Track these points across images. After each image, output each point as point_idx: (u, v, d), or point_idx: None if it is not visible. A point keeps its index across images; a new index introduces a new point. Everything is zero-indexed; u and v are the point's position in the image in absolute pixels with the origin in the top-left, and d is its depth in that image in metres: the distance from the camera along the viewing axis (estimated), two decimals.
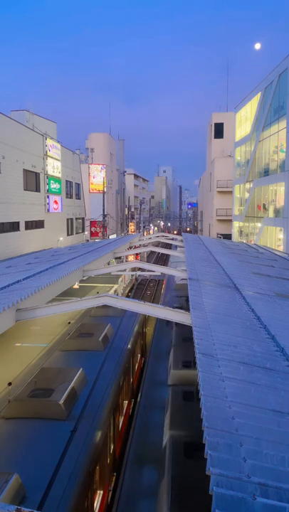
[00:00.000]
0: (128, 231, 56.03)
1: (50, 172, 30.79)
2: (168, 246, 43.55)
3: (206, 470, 2.40)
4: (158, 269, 13.26)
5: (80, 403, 6.85)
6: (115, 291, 20.03)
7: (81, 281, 15.49)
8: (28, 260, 15.03)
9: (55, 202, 32.03)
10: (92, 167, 50.89)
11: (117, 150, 64.81)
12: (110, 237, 45.37)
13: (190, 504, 4.84)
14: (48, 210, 30.35)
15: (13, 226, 24.61)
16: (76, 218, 38.80)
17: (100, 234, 44.74)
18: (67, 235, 35.52)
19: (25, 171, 26.42)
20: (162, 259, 53.62)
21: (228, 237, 41.60)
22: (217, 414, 3.09)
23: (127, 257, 34.11)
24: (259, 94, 31.12)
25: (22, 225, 25.70)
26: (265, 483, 2.33)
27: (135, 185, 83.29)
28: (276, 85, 26.72)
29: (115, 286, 20.47)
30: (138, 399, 8.17)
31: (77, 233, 38.79)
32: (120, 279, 24.70)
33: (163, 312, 6.88)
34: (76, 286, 15.93)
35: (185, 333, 9.99)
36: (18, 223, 25.15)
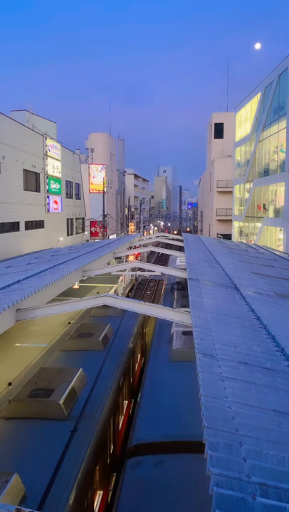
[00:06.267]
0: (128, 231, 56.04)
1: (50, 172, 30.79)
2: (168, 246, 43.56)
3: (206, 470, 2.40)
4: (158, 269, 13.25)
5: (80, 403, 6.85)
6: (115, 291, 20.02)
7: (81, 281, 15.49)
8: (28, 260, 15.04)
9: (55, 202, 32.04)
10: (92, 167, 50.91)
11: (117, 150, 64.82)
12: (110, 237, 45.37)
13: None
14: (48, 210, 30.36)
15: (13, 226, 24.61)
16: (76, 218, 38.81)
17: (100, 234, 44.75)
18: (67, 235, 35.53)
19: (25, 171, 26.43)
20: (162, 259, 53.62)
21: (228, 237, 41.61)
22: (217, 414, 3.09)
23: (127, 257, 34.12)
24: (259, 95, 31.13)
25: (22, 225, 25.71)
26: (265, 483, 2.32)
27: (135, 185, 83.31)
28: (276, 85, 26.72)
29: (115, 286, 20.46)
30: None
31: (77, 233, 38.79)
32: (120, 279, 24.69)
33: (163, 312, 6.88)
34: (76, 286, 15.93)
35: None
36: (18, 223, 25.15)
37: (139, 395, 8.18)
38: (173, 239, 23.97)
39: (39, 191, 28.93)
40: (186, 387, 7.17)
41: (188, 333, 9.65)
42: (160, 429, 6.43)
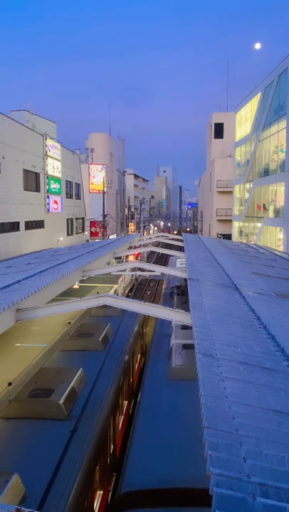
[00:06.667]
0: (128, 231, 56.05)
1: (50, 172, 30.79)
2: (168, 246, 43.56)
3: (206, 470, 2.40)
4: (158, 269, 13.25)
5: (80, 403, 6.85)
6: (115, 291, 20.02)
7: (81, 281, 15.49)
8: (28, 260, 15.04)
9: (55, 202, 32.04)
10: (92, 167, 50.91)
11: (117, 150, 64.82)
12: (110, 237, 45.38)
13: None
14: (48, 210, 30.36)
15: (13, 226, 24.61)
16: (76, 218, 38.81)
17: (100, 234, 44.75)
18: (67, 235, 35.52)
19: (25, 171, 26.43)
20: (162, 260, 53.61)
21: (228, 237, 41.61)
22: (217, 414, 3.09)
23: (127, 257, 34.12)
24: (259, 95, 31.13)
25: (22, 225, 25.71)
26: (265, 483, 2.33)
27: (135, 185, 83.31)
28: (276, 85, 26.72)
29: (115, 286, 20.45)
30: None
31: (77, 233, 38.79)
32: (120, 279, 24.70)
33: (163, 312, 6.88)
34: (76, 286, 15.93)
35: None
36: (18, 223, 25.15)
37: (133, 423, 6.94)
38: (173, 239, 23.97)
39: (39, 191, 28.93)
40: (188, 414, 6.14)
41: (188, 347, 8.61)
42: (157, 471, 5.36)
